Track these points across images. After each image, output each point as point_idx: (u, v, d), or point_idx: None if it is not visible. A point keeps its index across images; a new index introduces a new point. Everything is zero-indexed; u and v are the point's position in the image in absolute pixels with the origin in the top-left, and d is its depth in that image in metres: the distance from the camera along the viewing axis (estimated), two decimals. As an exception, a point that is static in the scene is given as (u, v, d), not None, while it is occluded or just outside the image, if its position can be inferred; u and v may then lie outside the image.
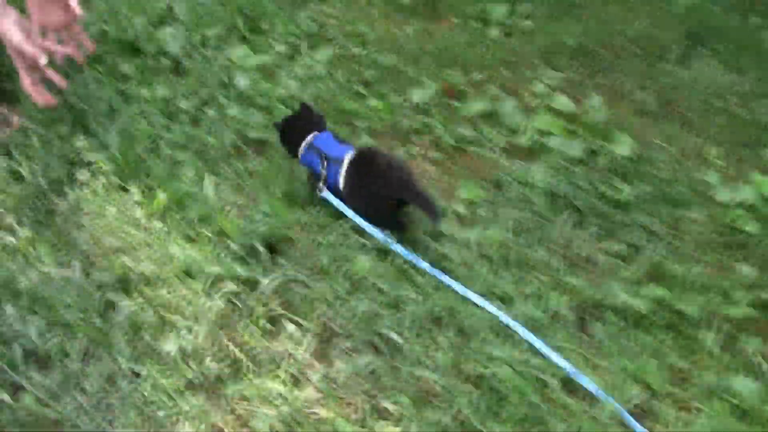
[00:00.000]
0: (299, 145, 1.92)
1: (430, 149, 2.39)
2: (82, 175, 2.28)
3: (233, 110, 2.45)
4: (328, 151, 1.87)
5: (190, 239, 2.05)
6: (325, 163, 1.84)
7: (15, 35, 1.69)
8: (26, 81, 1.82)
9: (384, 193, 1.76)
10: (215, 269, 1.94)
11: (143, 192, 2.16)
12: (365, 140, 2.37)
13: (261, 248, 1.98)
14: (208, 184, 2.17)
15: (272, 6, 2.95)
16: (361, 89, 2.57)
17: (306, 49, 2.75)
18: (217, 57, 2.71)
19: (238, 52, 2.70)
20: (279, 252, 2.01)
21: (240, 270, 1.94)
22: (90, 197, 2.20)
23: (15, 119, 2.32)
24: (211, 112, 2.45)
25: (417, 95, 2.54)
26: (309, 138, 1.91)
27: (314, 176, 1.90)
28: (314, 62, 2.65)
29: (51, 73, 1.84)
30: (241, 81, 2.53)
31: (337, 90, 2.55)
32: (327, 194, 1.86)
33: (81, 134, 2.40)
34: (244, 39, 2.80)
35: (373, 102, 2.50)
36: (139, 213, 2.13)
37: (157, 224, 2.10)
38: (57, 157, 2.32)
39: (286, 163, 2.20)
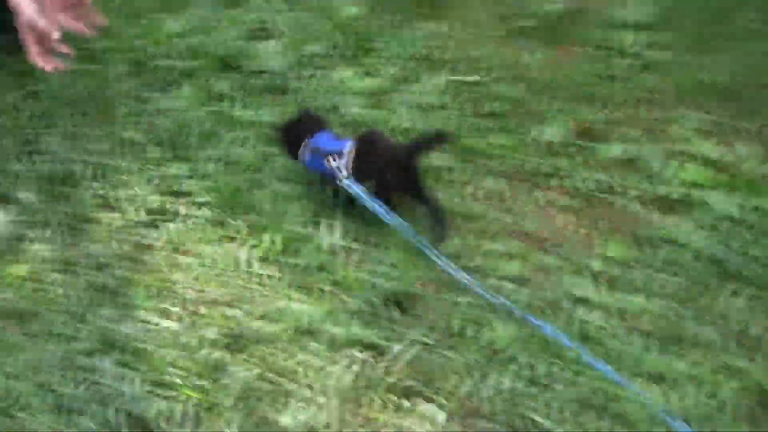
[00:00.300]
0: (298, 148, 1.90)
1: (561, 196, 2.15)
2: (180, 206, 2.02)
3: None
4: (327, 147, 1.85)
5: (304, 290, 1.84)
6: (334, 157, 1.82)
7: (27, 8, 1.66)
8: (33, 51, 1.76)
9: (390, 161, 1.76)
10: (335, 330, 1.74)
11: (248, 230, 1.99)
12: (489, 182, 2.17)
13: (386, 306, 1.79)
14: (324, 226, 1.96)
15: (379, 22, 2.74)
16: (483, 123, 2.31)
17: (419, 72, 2.54)
18: (323, 77, 2.52)
19: (346, 73, 2.50)
20: (404, 310, 1.80)
21: (363, 332, 1.74)
22: (189, 232, 1.98)
23: None
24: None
25: (546, 133, 2.30)
26: (306, 142, 1.87)
27: (324, 176, 1.86)
28: (429, 89, 2.42)
29: (61, 46, 1.77)
30: (352, 107, 2.27)
31: (455, 122, 2.32)
32: (350, 181, 1.79)
33: (174, 159, 2.25)
34: (350, 59, 2.57)
35: (497, 138, 2.27)
36: (244, 254, 1.94)
37: (267, 270, 1.89)
38: (151, 184, 2.17)
39: (409, 203, 1.97)
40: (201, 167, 2.19)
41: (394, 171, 1.76)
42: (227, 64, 2.60)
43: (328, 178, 1.84)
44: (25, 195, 2.12)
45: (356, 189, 1.76)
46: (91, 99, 2.45)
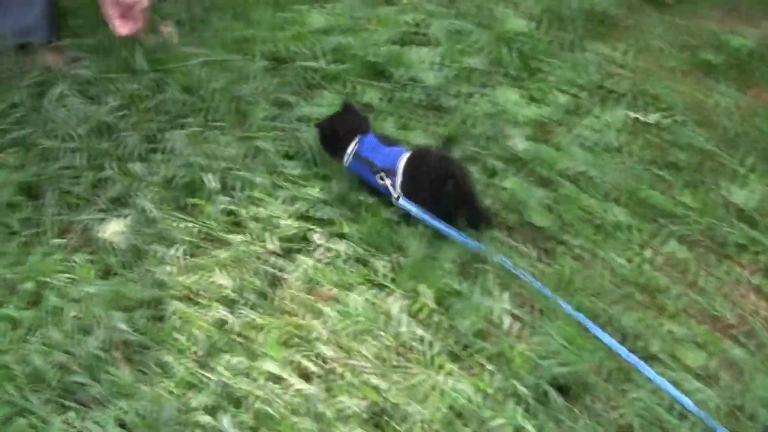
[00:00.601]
0: (344, 150, 1.81)
1: (755, 274, 1.83)
2: (317, 236, 1.82)
3: (508, 181, 1.96)
4: (377, 160, 1.76)
5: (459, 361, 1.61)
6: (383, 174, 1.75)
7: None
8: (111, 10, 1.90)
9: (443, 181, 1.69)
10: (497, 420, 1.50)
11: (395, 276, 1.74)
12: (671, 247, 1.87)
13: (551, 393, 1.53)
14: (481, 283, 1.72)
15: (547, 39, 2.46)
16: (665, 174, 2.01)
17: (591, 104, 2.25)
18: (483, 98, 2.25)
19: (509, 95, 2.20)
20: (572, 399, 1.54)
21: (525, 422, 1.50)
22: (327, 270, 1.78)
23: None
24: (477, 176, 1.95)
25: (738, 195, 1.99)
26: (353, 147, 1.78)
27: (370, 184, 1.80)
28: (602, 125, 2.12)
29: (137, 13, 1.88)
30: (518, 141, 1.99)
31: (634, 169, 2.03)
32: (404, 201, 1.71)
33: (313, 178, 2.00)
34: (514, 79, 2.31)
35: (681, 195, 1.97)
36: (393, 308, 1.70)
37: (418, 331, 1.65)
38: (286, 205, 1.93)
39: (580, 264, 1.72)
40: (343, 191, 1.91)
41: (452, 184, 1.69)
42: (376, 71, 2.34)
43: (378, 189, 1.77)
44: (145, 203, 1.91)
45: (412, 208, 1.69)
46: (223, 95, 2.21)
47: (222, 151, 2.05)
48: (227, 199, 1.94)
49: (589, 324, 1.57)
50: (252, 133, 2.12)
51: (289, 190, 1.96)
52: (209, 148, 2.07)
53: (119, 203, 1.94)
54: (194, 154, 2.04)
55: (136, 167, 2.03)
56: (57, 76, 2.24)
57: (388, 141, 1.80)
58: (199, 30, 2.45)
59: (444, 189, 1.67)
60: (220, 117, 2.15)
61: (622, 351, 1.53)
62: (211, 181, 1.97)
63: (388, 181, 1.70)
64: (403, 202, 1.69)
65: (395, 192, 1.70)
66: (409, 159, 1.70)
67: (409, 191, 1.70)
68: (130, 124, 2.15)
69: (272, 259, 1.80)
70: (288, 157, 2.06)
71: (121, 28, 1.96)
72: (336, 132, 1.81)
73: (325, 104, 2.21)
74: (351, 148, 1.78)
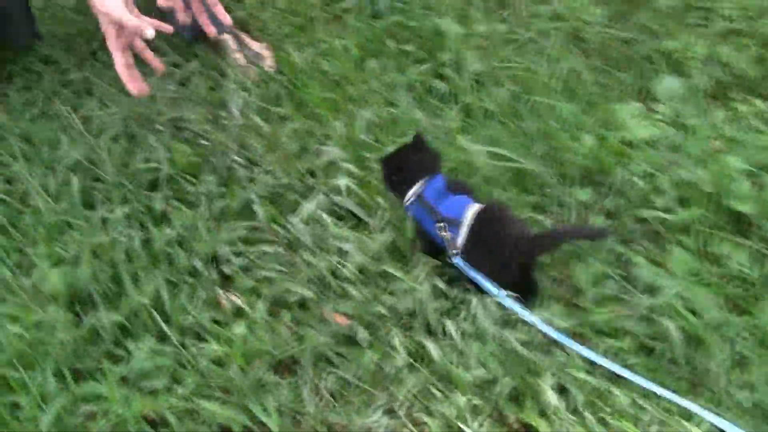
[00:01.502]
0: (408, 189, 1.53)
1: None
2: None
3: None
4: (441, 207, 1.50)
5: None
6: (443, 225, 1.47)
7: (112, 3, 1.51)
8: (120, 62, 1.57)
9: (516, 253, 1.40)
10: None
11: None
12: None
13: None
14: None
15: None
16: None
17: None
18: None
19: None
20: None
21: None
22: None
23: None
24: None
25: None
26: (418, 187, 1.52)
27: (426, 239, 1.53)
28: None
29: (148, 55, 1.61)
30: None
31: None
32: (459, 260, 1.44)
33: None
34: None
35: None
36: None
37: None
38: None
39: None
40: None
41: (522, 258, 1.42)
42: (739, 221, 1.55)
43: (435, 241, 1.49)
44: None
45: (468, 270, 1.43)
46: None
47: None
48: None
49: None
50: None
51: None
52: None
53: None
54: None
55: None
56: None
57: (457, 187, 1.55)
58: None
59: (514, 261, 1.42)
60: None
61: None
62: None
63: (448, 235, 1.45)
64: (459, 261, 1.44)
65: (454, 248, 1.45)
66: (481, 214, 1.46)
67: (470, 249, 1.45)
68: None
69: None
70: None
71: (131, 82, 1.62)
72: (401, 168, 1.55)
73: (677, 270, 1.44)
74: (415, 188, 1.53)
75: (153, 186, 1.76)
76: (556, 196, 1.63)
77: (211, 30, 1.73)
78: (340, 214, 1.66)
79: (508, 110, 1.85)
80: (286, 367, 1.42)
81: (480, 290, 1.42)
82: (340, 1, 2.28)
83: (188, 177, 1.76)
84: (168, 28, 1.58)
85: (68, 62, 2.08)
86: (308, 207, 1.63)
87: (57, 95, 2.03)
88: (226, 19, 1.73)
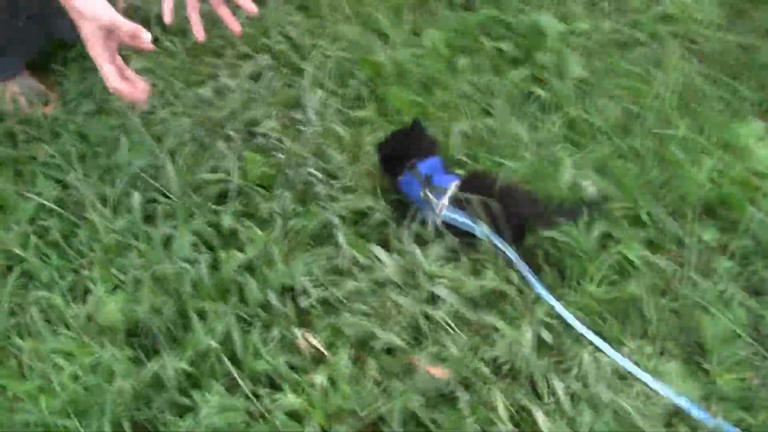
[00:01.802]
0: (401, 169, 1.51)
1: None
2: None
3: None
4: (432, 177, 1.48)
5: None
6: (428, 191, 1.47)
7: (99, 6, 1.36)
8: (113, 73, 1.41)
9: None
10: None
11: None
12: None
13: None
14: None
15: None
16: None
17: None
18: None
19: None
20: None
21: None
22: None
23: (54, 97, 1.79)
24: None
25: None
26: (413, 161, 1.50)
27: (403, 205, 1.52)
28: None
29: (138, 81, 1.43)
30: None
31: None
32: (448, 213, 1.46)
33: None
34: None
35: None
36: None
37: None
38: None
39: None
40: None
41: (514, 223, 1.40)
42: None
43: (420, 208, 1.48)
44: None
45: (457, 216, 1.44)
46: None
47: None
48: None
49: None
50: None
51: None
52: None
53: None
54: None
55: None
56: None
57: (450, 170, 1.54)
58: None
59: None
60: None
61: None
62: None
63: (431, 196, 1.47)
64: (448, 213, 1.45)
65: (437, 206, 1.46)
66: (471, 179, 1.49)
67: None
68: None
69: None
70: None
71: (127, 89, 1.44)
72: (398, 151, 1.54)
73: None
74: (411, 162, 1.52)
75: (221, 199, 1.60)
76: (674, 233, 1.39)
77: (236, 27, 1.56)
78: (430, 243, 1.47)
79: (616, 125, 1.65)
80: (371, 424, 1.23)
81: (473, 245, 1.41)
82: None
83: (261, 190, 1.57)
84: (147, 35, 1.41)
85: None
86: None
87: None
88: (252, 7, 1.53)
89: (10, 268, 1.50)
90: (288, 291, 1.44)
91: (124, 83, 1.44)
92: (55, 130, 1.76)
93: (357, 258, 1.46)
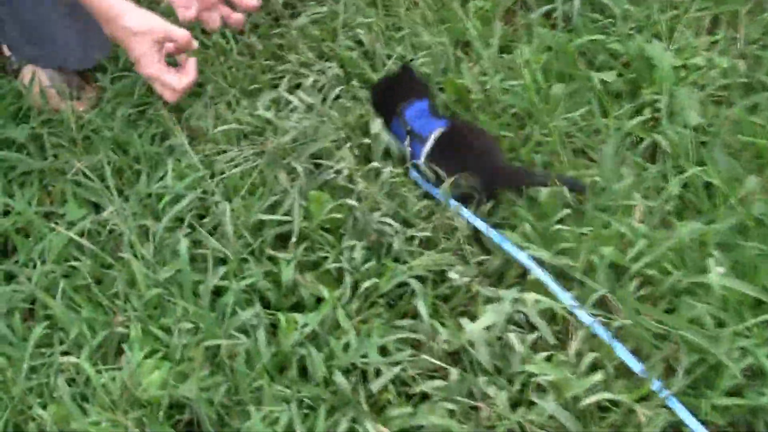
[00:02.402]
0: (392, 113, 1.52)
1: None
2: None
3: None
4: (416, 125, 1.51)
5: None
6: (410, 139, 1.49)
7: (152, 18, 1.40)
8: (175, 82, 1.47)
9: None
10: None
11: None
12: None
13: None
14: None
15: None
16: None
17: None
18: None
19: None
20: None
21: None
22: None
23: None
24: None
25: None
26: (402, 105, 1.52)
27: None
28: None
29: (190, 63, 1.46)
30: None
31: None
32: (415, 175, 1.47)
33: None
34: None
35: None
36: None
37: None
38: None
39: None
40: None
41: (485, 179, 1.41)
42: None
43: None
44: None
45: (421, 182, 1.46)
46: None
47: None
48: None
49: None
50: None
51: None
52: None
53: None
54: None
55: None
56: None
57: (438, 114, 1.55)
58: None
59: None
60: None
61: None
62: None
63: (407, 147, 1.48)
64: (416, 175, 1.46)
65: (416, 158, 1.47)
66: (449, 131, 1.48)
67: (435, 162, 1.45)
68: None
69: None
70: None
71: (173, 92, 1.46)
72: (390, 93, 1.55)
73: None
74: (400, 107, 1.52)
75: (281, 240, 1.40)
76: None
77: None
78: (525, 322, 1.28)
79: (740, 188, 1.41)
80: None
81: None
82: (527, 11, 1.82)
83: (326, 236, 1.37)
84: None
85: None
86: (487, 318, 1.19)
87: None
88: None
89: (31, 312, 1.30)
90: (357, 368, 1.23)
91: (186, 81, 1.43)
92: (88, 136, 1.52)
93: (439, 333, 1.24)
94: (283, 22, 1.78)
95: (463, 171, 1.41)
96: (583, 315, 1.21)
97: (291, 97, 1.54)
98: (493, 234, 1.33)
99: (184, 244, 1.26)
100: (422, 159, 1.47)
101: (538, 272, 1.28)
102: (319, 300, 1.31)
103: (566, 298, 1.23)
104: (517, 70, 1.62)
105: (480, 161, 1.43)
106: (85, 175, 1.45)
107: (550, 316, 1.27)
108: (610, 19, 1.74)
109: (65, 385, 1.19)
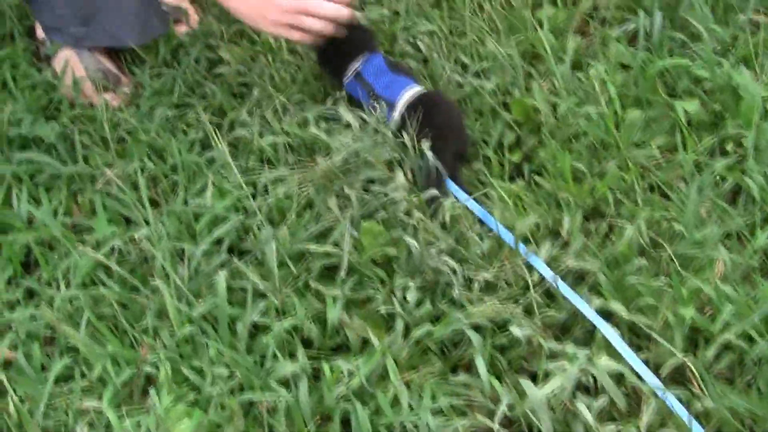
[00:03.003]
0: (345, 70, 1.51)
1: None
2: None
3: None
4: (378, 86, 1.48)
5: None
6: (376, 104, 1.47)
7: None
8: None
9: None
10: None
11: None
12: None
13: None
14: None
15: None
16: None
17: None
18: None
19: None
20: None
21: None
22: None
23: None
24: None
25: None
26: (357, 65, 1.50)
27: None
28: None
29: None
30: None
31: None
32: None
33: None
34: None
35: None
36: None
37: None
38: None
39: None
40: None
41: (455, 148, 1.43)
42: None
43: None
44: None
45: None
46: None
47: None
48: None
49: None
50: None
51: None
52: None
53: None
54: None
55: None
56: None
57: (397, 68, 1.50)
58: None
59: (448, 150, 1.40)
60: None
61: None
62: None
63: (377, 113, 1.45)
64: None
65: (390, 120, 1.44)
66: (417, 102, 1.42)
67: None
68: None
69: None
70: None
71: None
72: (338, 47, 1.49)
73: None
74: (354, 65, 1.49)
75: (327, 271, 1.29)
76: None
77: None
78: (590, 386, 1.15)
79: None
80: None
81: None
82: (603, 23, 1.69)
83: (378, 272, 1.27)
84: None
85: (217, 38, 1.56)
86: (553, 383, 1.09)
87: (200, 87, 1.54)
88: None
89: (52, 338, 1.20)
90: (405, 428, 1.13)
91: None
92: (122, 137, 1.40)
93: (498, 394, 1.14)
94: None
95: (435, 143, 1.38)
96: (657, 383, 1.09)
97: (343, 112, 1.41)
98: (561, 286, 1.20)
99: (222, 279, 1.15)
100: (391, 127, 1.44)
101: (610, 335, 1.18)
102: (365, 340, 1.21)
103: (643, 369, 1.11)
104: (592, 93, 1.47)
105: (451, 135, 1.43)
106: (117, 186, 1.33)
107: (619, 376, 1.15)
108: (694, 41, 1.59)
109: (84, 430, 1.07)
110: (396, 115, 1.44)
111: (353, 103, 1.50)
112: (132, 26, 1.53)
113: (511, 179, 1.43)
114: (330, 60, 1.54)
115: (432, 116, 1.42)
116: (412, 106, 1.42)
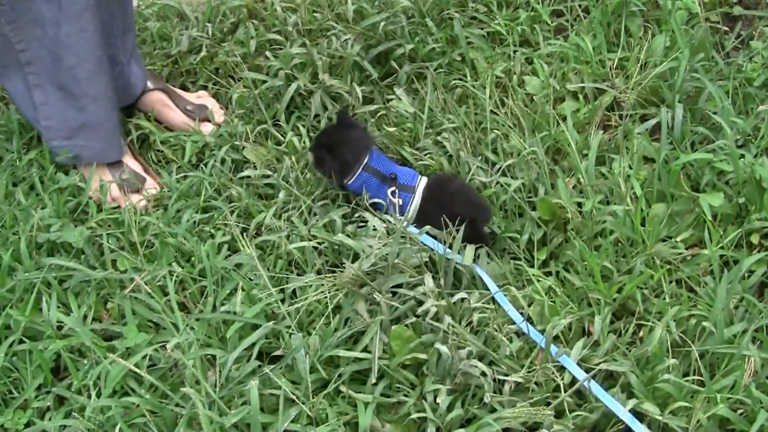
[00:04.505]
0: (353, 169, 1.58)
1: None
2: None
3: None
4: (385, 170, 1.61)
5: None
6: (396, 190, 1.58)
7: None
8: None
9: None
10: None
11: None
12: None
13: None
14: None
15: None
16: None
17: None
18: None
19: None
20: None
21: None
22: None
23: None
24: None
25: None
26: (364, 159, 1.58)
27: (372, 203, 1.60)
28: None
29: None
30: None
31: None
32: (412, 228, 1.52)
33: None
34: None
35: None
36: None
37: None
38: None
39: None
40: None
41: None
42: None
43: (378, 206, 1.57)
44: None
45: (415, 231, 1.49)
46: None
47: None
48: None
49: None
50: None
51: None
52: None
53: None
54: None
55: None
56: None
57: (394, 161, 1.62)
58: None
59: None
60: None
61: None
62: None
63: (399, 200, 1.53)
64: (413, 229, 1.49)
65: (404, 213, 1.54)
66: (433, 184, 1.57)
67: (423, 217, 1.53)
68: None
69: None
70: None
71: None
72: (339, 147, 1.56)
73: None
74: (362, 162, 1.57)
75: (359, 377, 1.34)
76: None
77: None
78: None
79: None
80: None
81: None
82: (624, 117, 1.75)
83: (408, 376, 1.33)
84: None
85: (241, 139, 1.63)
86: None
87: (225, 189, 1.64)
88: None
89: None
90: None
91: None
92: (150, 241, 1.47)
93: None
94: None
95: (455, 216, 1.48)
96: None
97: (369, 218, 1.47)
98: (594, 387, 1.24)
99: (255, 389, 1.19)
100: (411, 209, 1.56)
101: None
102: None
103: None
104: (617, 192, 1.53)
105: (470, 204, 1.54)
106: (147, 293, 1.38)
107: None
108: (715, 133, 1.67)
109: None
110: (416, 198, 1.55)
111: (351, 200, 1.60)
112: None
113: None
114: (333, 160, 1.59)
115: (454, 194, 1.54)
116: (430, 189, 1.55)
